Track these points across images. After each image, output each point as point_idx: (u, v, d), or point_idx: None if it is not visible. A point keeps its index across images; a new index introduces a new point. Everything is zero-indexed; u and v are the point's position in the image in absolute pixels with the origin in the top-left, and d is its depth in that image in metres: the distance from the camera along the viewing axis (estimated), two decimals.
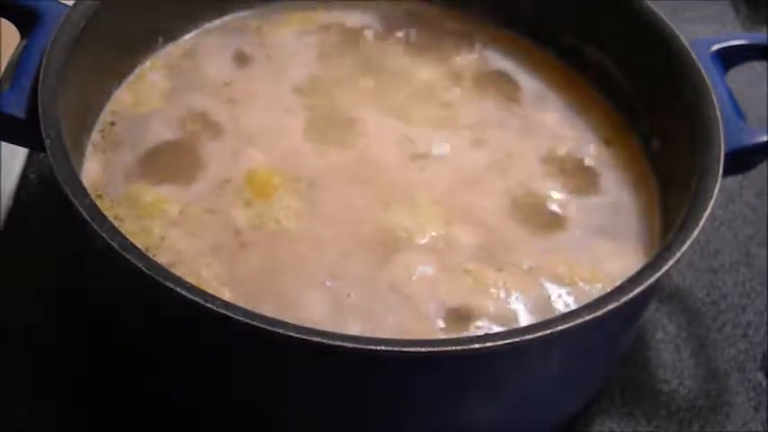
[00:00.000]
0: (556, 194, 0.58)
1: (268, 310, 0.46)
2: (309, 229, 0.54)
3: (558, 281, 0.54)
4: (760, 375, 0.62)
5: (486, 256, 0.54)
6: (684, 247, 0.48)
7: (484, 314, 0.52)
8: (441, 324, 0.51)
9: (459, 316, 0.51)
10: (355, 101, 0.62)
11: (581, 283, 0.54)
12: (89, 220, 0.45)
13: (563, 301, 0.53)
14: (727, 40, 0.60)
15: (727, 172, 0.52)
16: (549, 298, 0.53)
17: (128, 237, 0.45)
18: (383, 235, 0.54)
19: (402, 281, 0.52)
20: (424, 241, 0.54)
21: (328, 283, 0.52)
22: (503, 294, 0.53)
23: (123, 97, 0.60)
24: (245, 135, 0.59)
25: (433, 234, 0.55)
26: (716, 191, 0.51)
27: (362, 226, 0.55)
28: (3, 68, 0.53)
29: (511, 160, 0.60)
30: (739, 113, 0.56)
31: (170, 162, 0.57)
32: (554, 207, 0.58)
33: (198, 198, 0.55)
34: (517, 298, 0.53)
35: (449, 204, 0.56)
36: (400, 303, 0.51)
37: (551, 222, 0.57)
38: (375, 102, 0.62)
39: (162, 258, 0.51)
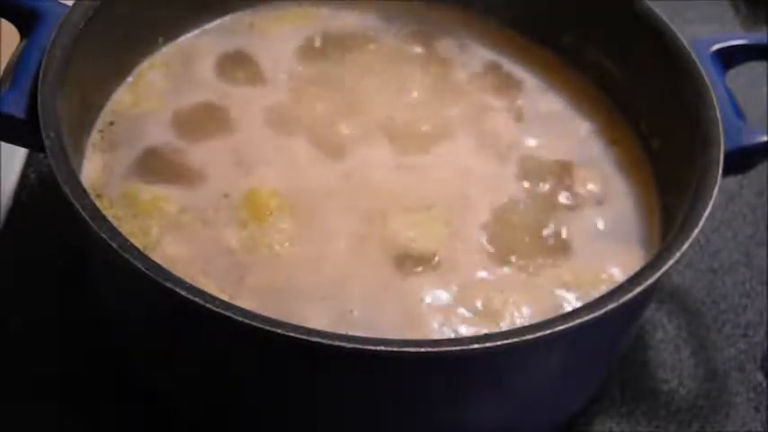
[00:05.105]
0: (556, 197, 0.58)
1: None
2: (306, 250, 0.53)
3: (565, 287, 0.54)
4: (760, 375, 0.62)
5: (491, 267, 0.54)
6: (684, 247, 0.48)
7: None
8: None
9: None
10: (351, 105, 0.61)
11: (586, 287, 0.54)
12: (88, 220, 0.45)
13: (572, 307, 0.53)
14: (727, 40, 0.60)
15: (726, 172, 0.52)
16: (561, 306, 0.53)
17: (127, 237, 0.45)
18: (387, 250, 0.54)
19: (408, 298, 0.52)
20: (426, 255, 0.54)
21: (328, 300, 0.51)
22: (514, 312, 0.52)
23: (123, 97, 0.60)
24: (243, 144, 0.58)
25: (436, 247, 0.54)
26: (716, 191, 0.51)
27: (364, 242, 0.54)
28: (3, 68, 0.53)
29: (510, 162, 0.60)
30: (739, 114, 0.56)
31: (169, 163, 0.57)
32: (555, 211, 0.57)
33: (194, 205, 0.54)
34: (529, 313, 0.52)
35: (450, 215, 0.56)
36: (403, 317, 0.51)
37: (552, 227, 0.57)
38: (371, 106, 0.61)
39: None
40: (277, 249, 0.53)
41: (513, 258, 0.55)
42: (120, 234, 0.45)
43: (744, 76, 0.62)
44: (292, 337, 0.42)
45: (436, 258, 0.54)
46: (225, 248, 0.53)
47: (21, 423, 0.55)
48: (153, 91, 0.61)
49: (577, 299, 0.53)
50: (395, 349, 0.43)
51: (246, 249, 0.53)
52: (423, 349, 0.44)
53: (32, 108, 0.50)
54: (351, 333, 0.48)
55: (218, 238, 0.53)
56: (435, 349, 0.44)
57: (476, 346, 0.44)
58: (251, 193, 0.55)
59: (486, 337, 0.44)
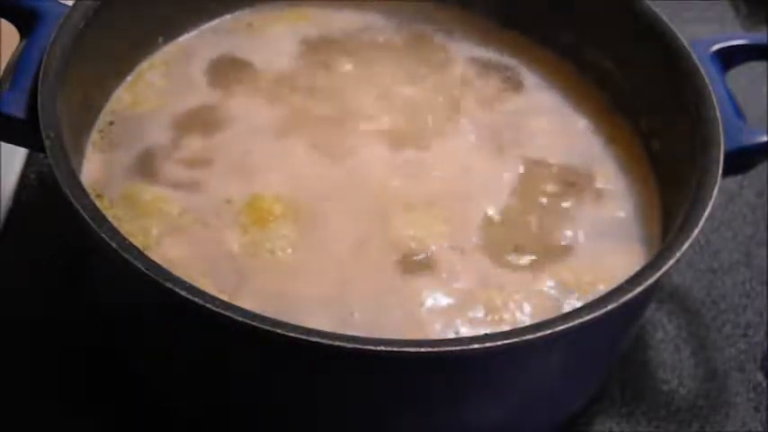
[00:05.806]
0: (556, 197, 0.58)
1: None
2: (308, 255, 0.53)
3: (566, 287, 0.54)
4: (760, 375, 0.62)
5: (491, 267, 0.54)
6: (684, 247, 0.48)
7: None
8: None
9: None
10: (350, 105, 0.61)
11: (586, 287, 0.54)
12: (89, 220, 0.45)
13: (572, 307, 0.52)
14: (727, 40, 0.60)
15: (726, 172, 0.52)
16: (561, 306, 0.53)
17: (127, 237, 0.45)
18: (388, 252, 0.54)
19: (409, 299, 0.52)
20: (427, 255, 0.54)
21: (329, 303, 0.51)
22: (515, 312, 0.52)
23: (122, 97, 0.60)
24: (243, 147, 0.58)
25: (436, 247, 0.54)
26: (715, 191, 0.51)
27: (365, 244, 0.54)
28: (3, 68, 0.53)
29: (510, 160, 0.60)
30: (739, 114, 0.56)
31: (168, 164, 0.57)
32: (555, 210, 0.57)
33: (195, 208, 0.54)
34: (529, 313, 0.52)
35: (451, 214, 0.56)
36: (404, 318, 0.51)
37: (552, 226, 0.57)
38: (371, 105, 0.61)
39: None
40: (279, 255, 0.53)
41: (513, 257, 0.55)
42: (119, 234, 0.45)
43: (744, 76, 0.62)
44: (292, 337, 0.42)
45: (436, 258, 0.54)
46: (226, 252, 0.53)
47: (21, 423, 0.55)
48: (153, 91, 0.61)
49: (577, 299, 0.53)
50: (395, 349, 0.43)
51: (248, 254, 0.53)
52: (423, 349, 0.44)
53: (32, 108, 0.50)
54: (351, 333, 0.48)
55: (219, 242, 0.53)
56: (435, 349, 0.44)
57: (476, 346, 0.44)
58: (255, 199, 0.55)
59: (486, 337, 0.44)
